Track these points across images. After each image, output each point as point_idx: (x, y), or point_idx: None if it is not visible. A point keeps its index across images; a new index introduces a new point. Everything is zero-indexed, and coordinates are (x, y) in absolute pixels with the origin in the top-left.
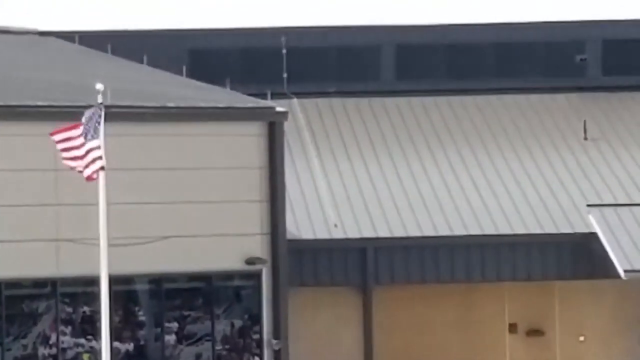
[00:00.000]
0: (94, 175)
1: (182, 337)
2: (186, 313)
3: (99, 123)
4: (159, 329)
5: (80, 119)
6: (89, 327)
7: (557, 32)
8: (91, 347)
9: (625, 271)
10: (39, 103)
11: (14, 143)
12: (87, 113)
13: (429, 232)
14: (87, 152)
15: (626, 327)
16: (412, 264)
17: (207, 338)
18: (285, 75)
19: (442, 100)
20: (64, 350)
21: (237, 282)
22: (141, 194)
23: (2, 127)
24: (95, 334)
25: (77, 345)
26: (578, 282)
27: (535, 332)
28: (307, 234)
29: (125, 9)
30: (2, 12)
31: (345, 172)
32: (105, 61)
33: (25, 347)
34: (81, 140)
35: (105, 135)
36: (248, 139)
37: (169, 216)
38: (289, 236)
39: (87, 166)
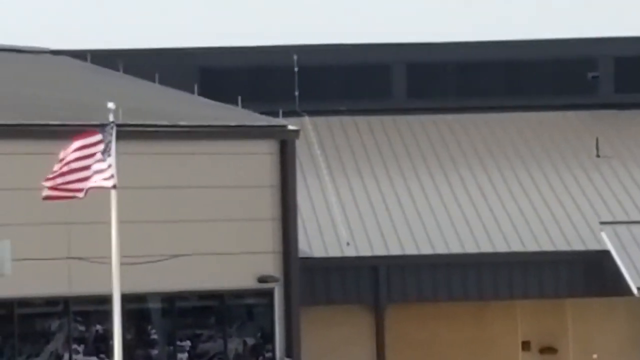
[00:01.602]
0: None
1: (194, 356)
2: (198, 331)
3: (110, 142)
4: (171, 348)
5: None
6: (102, 345)
7: (569, 50)
8: None
9: (638, 289)
10: (51, 122)
11: (25, 162)
12: (102, 133)
13: (441, 249)
14: (97, 171)
15: (639, 345)
16: (424, 282)
17: (220, 356)
18: (296, 93)
19: (453, 117)
20: None
21: (249, 301)
22: (153, 213)
23: (13, 146)
24: (108, 353)
25: None
26: (591, 299)
27: (548, 350)
28: (319, 252)
29: (137, 28)
30: (15, 31)
31: (357, 190)
32: (117, 80)
33: None
34: (92, 158)
35: (117, 153)
36: (260, 157)
37: (181, 234)
38: (301, 254)
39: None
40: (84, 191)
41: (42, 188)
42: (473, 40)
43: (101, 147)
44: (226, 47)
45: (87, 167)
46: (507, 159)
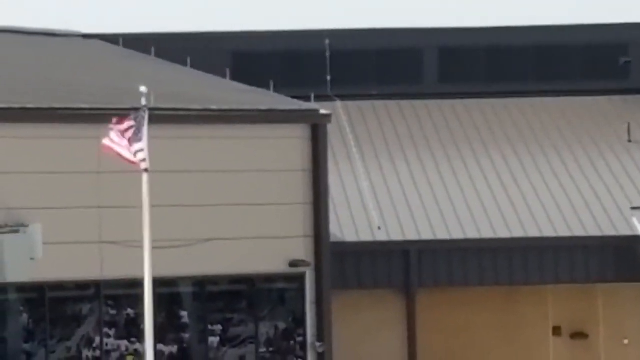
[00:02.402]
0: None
1: (225, 340)
2: (229, 315)
3: (142, 125)
4: (202, 332)
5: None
6: (133, 329)
7: (600, 35)
8: (135, 350)
9: None
10: (83, 105)
11: (57, 145)
12: (133, 116)
13: (473, 234)
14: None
15: None
16: (455, 266)
17: (251, 340)
18: (328, 77)
19: (484, 102)
20: (107, 352)
21: (280, 285)
22: (184, 197)
23: (45, 130)
24: (139, 336)
25: (121, 347)
26: (622, 284)
27: (579, 335)
28: (350, 237)
29: (169, 12)
30: (47, 15)
31: (388, 174)
32: (149, 64)
33: (69, 349)
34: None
35: (149, 137)
36: (291, 142)
37: (212, 218)
38: (332, 239)
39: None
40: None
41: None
42: (505, 25)
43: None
44: (258, 32)
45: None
46: (539, 144)
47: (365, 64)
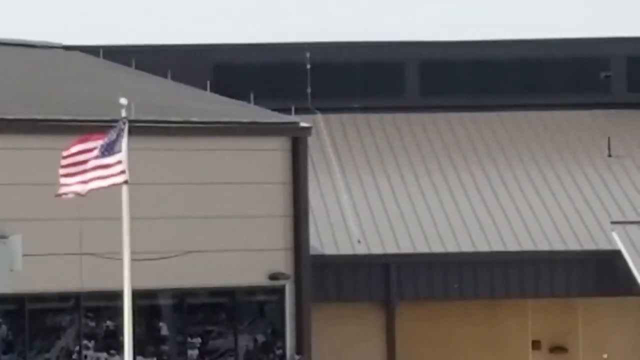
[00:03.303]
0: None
1: (205, 352)
2: (209, 328)
3: (122, 137)
4: (182, 344)
5: (102, 133)
6: (112, 341)
7: (582, 49)
8: None
9: None
10: (63, 117)
11: (38, 157)
12: (112, 131)
13: (453, 248)
14: (105, 166)
15: None
16: (435, 280)
17: (230, 353)
18: (309, 90)
19: (466, 116)
20: None
21: (260, 297)
22: (164, 209)
23: (26, 141)
24: (118, 349)
25: (100, 359)
26: (601, 299)
27: (558, 349)
28: (330, 250)
29: (150, 24)
30: (27, 27)
31: (368, 187)
32: (129, 76)
33: None
34: (92, 154)
35: (129, 149)
36: (272, 154)
37: (192, 231)
38: (312, 251)
39: (106, 177)
40: (86, 190)
41: (58, 186)
42: (487, 39)
43: (100, 142)
44: (239, 44)
45: (84, 162)
46: (519, 157)
47: (346, 77)
